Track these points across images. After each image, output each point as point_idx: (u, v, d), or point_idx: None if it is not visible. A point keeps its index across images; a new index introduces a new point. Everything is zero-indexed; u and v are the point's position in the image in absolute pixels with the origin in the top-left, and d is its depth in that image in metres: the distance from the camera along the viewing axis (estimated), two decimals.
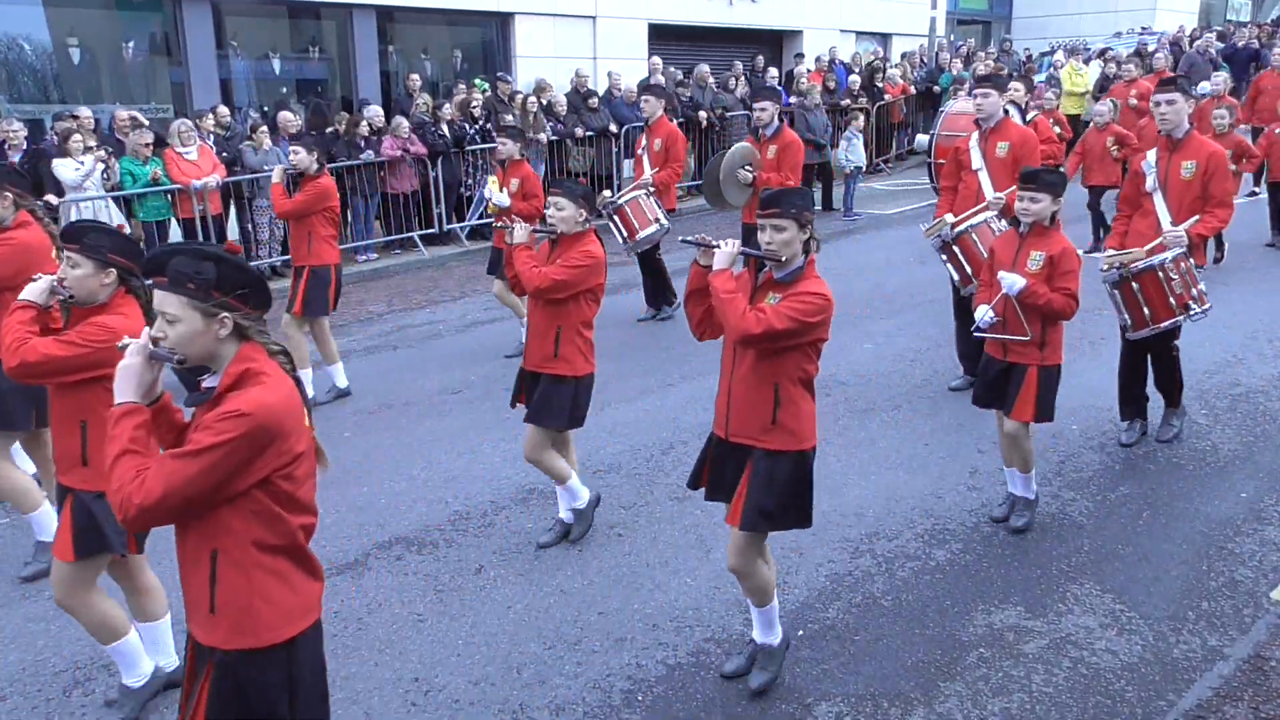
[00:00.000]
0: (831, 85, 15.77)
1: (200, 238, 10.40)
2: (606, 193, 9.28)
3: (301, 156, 6.82)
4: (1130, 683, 3.92)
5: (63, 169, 9.53)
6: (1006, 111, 7.17)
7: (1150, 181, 5.72)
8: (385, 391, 7.41)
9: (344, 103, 14.07)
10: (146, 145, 10.07)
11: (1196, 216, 5.55)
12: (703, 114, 14.58)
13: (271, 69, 13.99)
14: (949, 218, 6.57)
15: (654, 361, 7.69)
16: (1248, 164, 9.89)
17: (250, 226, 11.05)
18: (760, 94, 8.41)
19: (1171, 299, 5.46)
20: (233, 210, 11.05)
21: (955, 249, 6.46)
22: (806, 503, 3.82)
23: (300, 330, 7.01)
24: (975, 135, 6.83)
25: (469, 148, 12.30)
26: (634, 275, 9.47)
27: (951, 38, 23.39)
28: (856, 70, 17.04)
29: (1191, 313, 5.51)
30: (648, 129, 8.92)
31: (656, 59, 15.39)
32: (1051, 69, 17.14)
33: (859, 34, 20.75)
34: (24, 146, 9.84)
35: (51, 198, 9.51)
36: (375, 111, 12.07)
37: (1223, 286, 8.86)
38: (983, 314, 4.91)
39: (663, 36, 17.18)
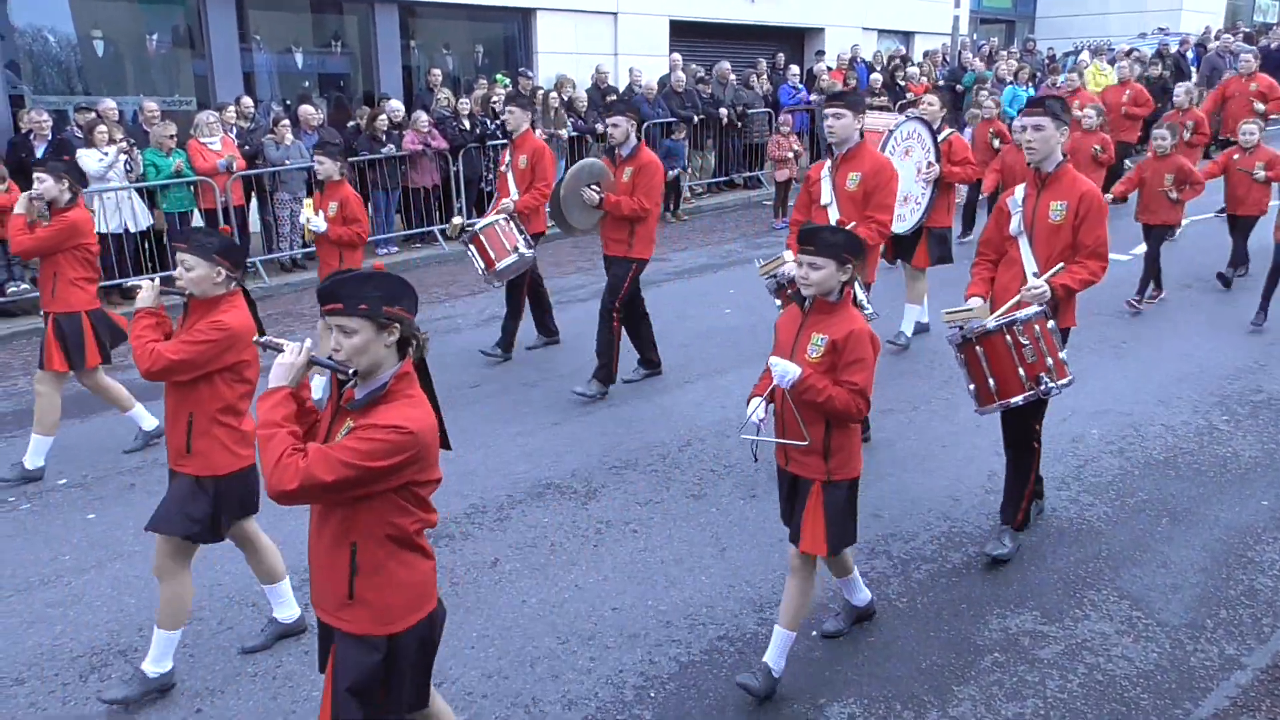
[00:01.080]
0: (852, 83, 15.69)
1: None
2: (458, 219, 8.52)
3: (48, 185, 5.73)
4: (1146, 690, 3.88)
5: (86, 159, 9.60)
6: (877, 134, 7.01)
7: (1015, 223, 4.64)
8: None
9: (366, 97, 14.12)
10: (170, 137, 10.15)
11: (1061, 265, 4.48)
12: (724, 111, 14.55)
13: (294, 63, 14.05)
14: (789, 254, 5.44)
15: (672, 358, 7.68)
16: (1190, 191, 8.55)
17: (272, 219, 11.12)
18: (613, 109, 7.12)
19: (1021, 369, 4.34)
20: (254, 202, 11.12)
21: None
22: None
23: (56, 386, 6.05)
24: (828, 164, 5.96)
25: (490, 143, 12.33)
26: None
27: (974, 36, 23.25)
28: (878, 68, 16.96)
29: (1043, 386, 4.35)
30: (512, 144, 7.82)
31: (677, 55, 15.38)
32: (1075, 69, 17.01)
33: (881, 32, 20.65)
34: (49, 137, 9.94)
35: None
36: (396, 106, 12.11)
37: (1245, 292, 8.78)
38: (753, 409, 3.81)
39: (684, 33, 17.16)
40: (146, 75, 12.85)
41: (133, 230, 9.99)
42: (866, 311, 4.96)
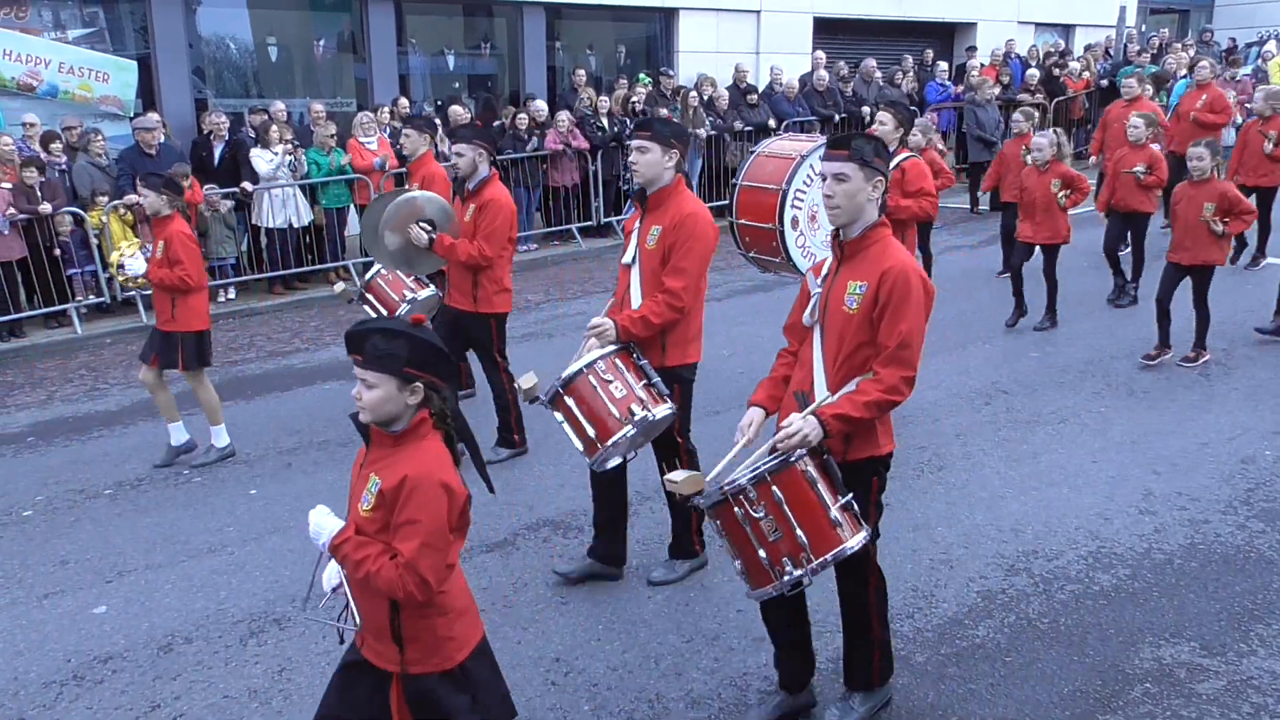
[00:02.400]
0: (1005, 80, 15.12)
1: None
2: (340, 285, 7.46)
3: (150, 199, 5.86)
4: None
5: (258, 160, 10.25)
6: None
7: (809, 309, 3.53)
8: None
9: (512, 97, 14.51)
10: (331, 136, 10.71)
11: (859, 379, 3.33)
12: (865, 109, 14.27)
13: (446, 64, 14.57)
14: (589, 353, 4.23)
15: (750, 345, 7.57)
16: (1074, 197, 7.96)
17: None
18: (459, 135, 5.95)
19: (762, 551, 3.18)
20: None
21: (568, 402, 4.14)
22: None
23: (201, 380, 6.27)
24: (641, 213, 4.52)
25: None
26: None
27: (1143, 28, 22.00)
28: (1034, 64, 16.27)
29: (786, 578, 3.18)
30: (409, 171, 6.96)
31: (820, 53, 15.17)
32: (1260, 61, 15.85)
33: (1038, 25, 19.78)
34: (226, 137, 10.64)
35: (248, 185, 10.26)
36: (540, 106, 12.40)
37: None
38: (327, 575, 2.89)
39: (828, 30, 16.90)
40: (313, 78, 13.58)
41: (295, 225, 10.59)
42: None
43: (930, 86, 14.95)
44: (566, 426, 4.09)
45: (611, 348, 4.14)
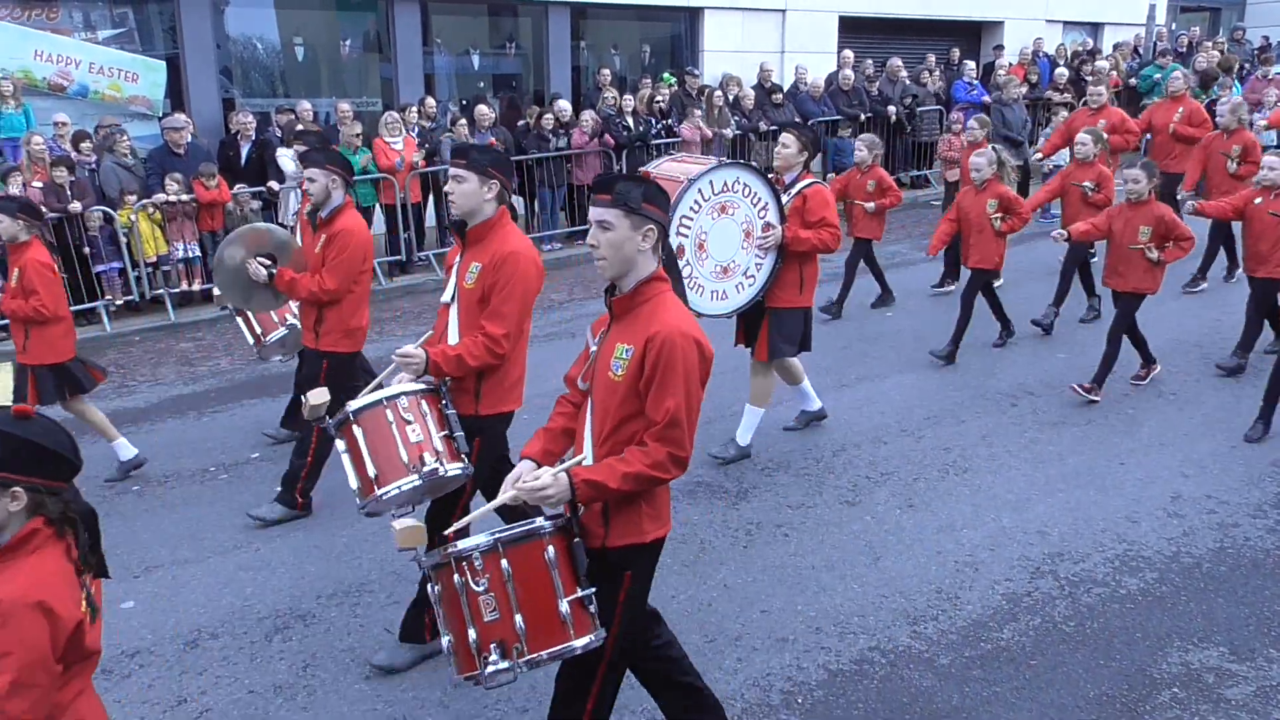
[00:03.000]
0: (1034, 79, 14.98)
1: (400, 224, 11.06)
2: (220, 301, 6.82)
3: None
4: None
5: (283, 159, 10.32)
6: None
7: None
8: (559, 378, 7.60)
9: (536, 96, 14.54)
10: (357, 136, 10.77)
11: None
12: (891, 109, 14.19)
13: (470, 64, 14.62)
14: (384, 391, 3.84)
15: (829, 360, 7.56)
16: (1011, 222, 7.36)
17: (445, 215, 11.62)
18: (310, 158, 5.29)
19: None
20: (431, 199, 11.66)
21: (355, 432, 3.71)
22: None
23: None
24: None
25: (653, 141, 12.48)
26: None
27: (1173, 26, 21.74)
28: (1062, 63, 16.12)
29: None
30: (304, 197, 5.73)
31: (848, 52, 15.10)
32: None
33: (1066, 24, 19.59)
34: (253, 137, 10.73)
35: (274, 184, 10.34)
36: (564, 106, 12.43)
37: None
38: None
39: (854, 29, 16.82)
40: (339, 78, 13.66)
41: None
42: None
43: (957, 85, 14.84)
44: (346, 458, 3.69)
45: (421, 385, 3.77)
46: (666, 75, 14.18)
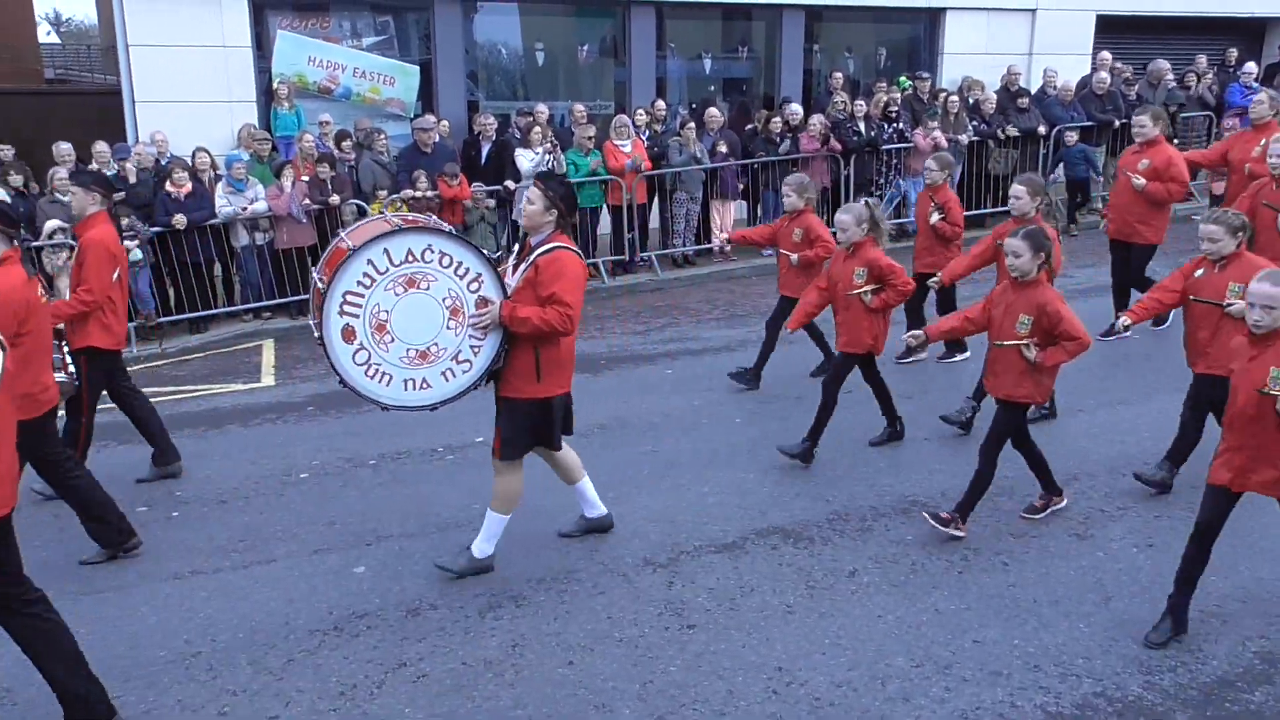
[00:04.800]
0: None
1: (625, 225, 11.33)
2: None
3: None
4: None
5: (521, 159, 10.83)
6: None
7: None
8: (780, 383, 7.54)
9: (765, 100, 14.49)
10: (589, 138, 11.14)
11: None
12: None
13: (702, 68, 14.77)
14: None
15: (1066, 383, 7.05)
16: (885, 295, 5.84)
17: (669, 216, 11.80)
18: (78, 179, 5.87)
19: None
20: (656, 201, 11.87)
21: None
22: None
23: None
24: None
25: (883, 146, 12.14)
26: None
27: None
28: None
29: None
30: (75, 232, 5.93)
31: (1105, 54, 14.07)
32: None
33: None
34: (493, 138, 11.33)
35: (510, 184, 10.87)
36: (795, 109, 12.31)
37: None
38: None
39: (1113, 28, 15.65)
40: (575, 82, 14.18)
41: None
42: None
43: (1232, 89, 13.48)
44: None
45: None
46: (902, 79, 13.75)
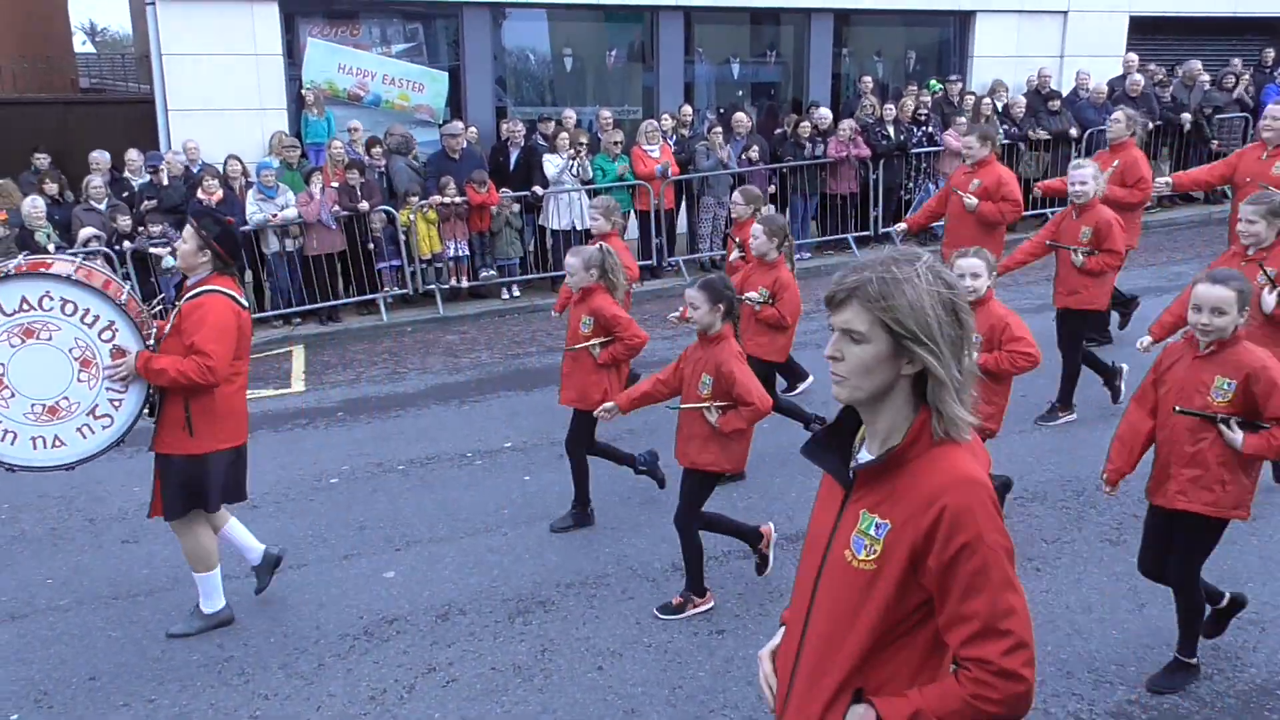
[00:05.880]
0: None
1: (653, 229, 11.34)
2: None
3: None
4: None
5: (548, 164, 10.87)
6: None
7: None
8: (812, 390, 7.50)
9: (794, 104, 14.45)
10: (616, 144, 11.15)
11: None
12: (1186, 116, 12.93)
13: (730, 72, 14.74)
14: None
15: (1097, 391, 6.98)
16: (614, 349, 5.35)
17: (695, 222, 11.79)
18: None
19: None
20: (683, 206, 11.87)
21: None
22: None
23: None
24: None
25: (913, 150, 12.07)
26: None
27: None
28: None
29: None
30: None
31: (1133, 55, 13.91)
32: None
33: None
34: (521, 144, 11.37)
35: (538, 189, 10.90)
36: (824, 114, 12.27)
37: None
38: None
39: (1146, 29, 15.46)
40: (603, 87, 14.20)
41: (579, 228, 11.12)
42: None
43: (1268, 90, 13.29)
44: None
45: None
46: (932, 82, 13.67)
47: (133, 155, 10.65)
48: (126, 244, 9.57)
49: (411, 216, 10.47)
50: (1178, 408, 3.69)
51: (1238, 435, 3.59)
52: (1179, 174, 7.71)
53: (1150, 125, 12.69)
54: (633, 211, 11.44)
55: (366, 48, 12.43)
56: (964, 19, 14.85)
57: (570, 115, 11.82)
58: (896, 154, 12.05)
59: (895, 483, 1.88)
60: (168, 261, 9.49)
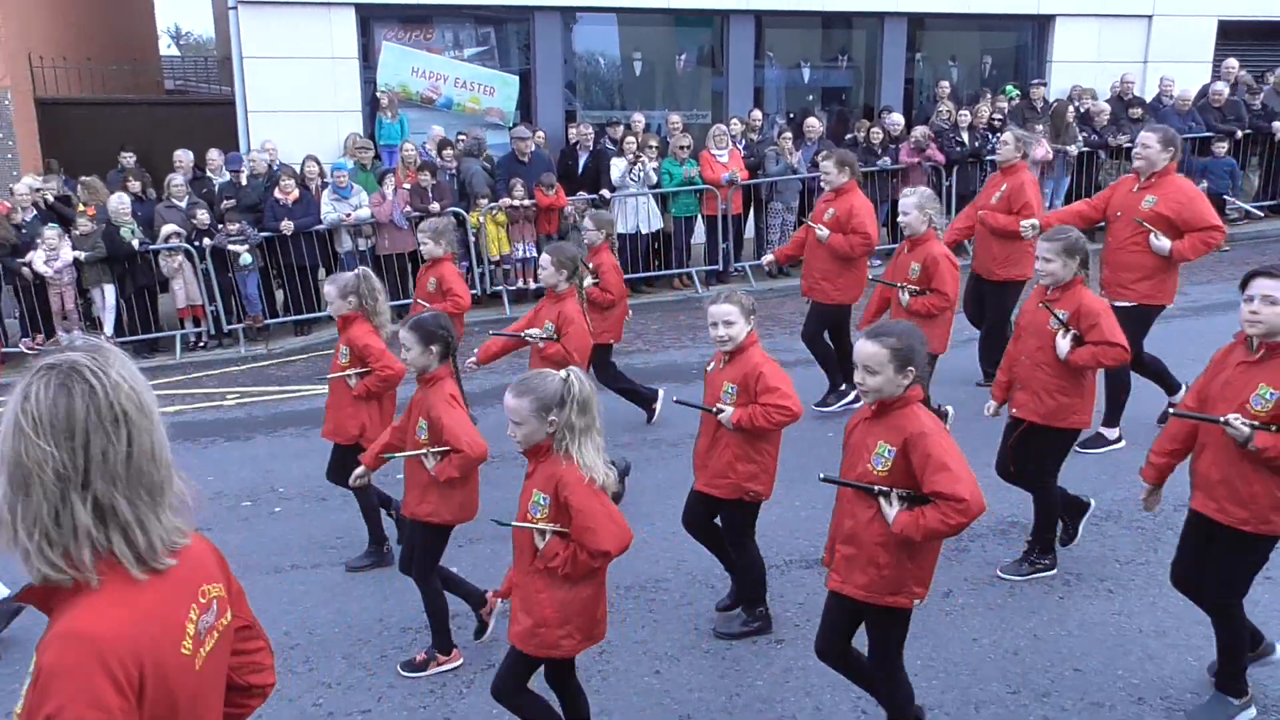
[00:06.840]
0: None
1: (720, 235, 11.31)
2: None
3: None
4: None
5: (616, 168, 10.91)
6: None
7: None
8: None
9: (865, 109, 14.29)
10: (683, 148, 11.15)
11: None
12: (1278, 125, 12.47)
13: (801, 77, 14.65)
14: None
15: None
16: (368, 383, 5.16)
17: (764, 227, 11.72)
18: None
19: None
20: (751, 212, 11.81)
21: None
22: None
23: None
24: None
25: (986, 157, 11.84)
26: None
27: None
28: None
29: None
30: None
31: (1231, 60, 13.44)
32: None
33: None
34: (590, 148, 11.44)
35: (605, 192, 10.95)
36: (896, 119, 12.10)
37: None
38: None
39: (1235, 35, 14.97)
40: (673, 91, 14.23)
41: (644, 231, 11.15)
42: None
43: None
44: None
45: None
46: (1009, 87, 13.41)
47: (213, 155, 10.97)
48: (206, 240, 9.87)
49: (481, 218, 10.59)
50: (822, 474, 3.41)
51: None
52: (1050, 213, 7.03)
53: (1238, 135, 12.31)
54: (699, 216, 11.43)
55: (439, 51, 12.63)
56: (1043, 23, 14.55)
57: (639, 119, 11.85)
58: (970, 161, 11.84)
59: None
60: (244, 259, 9.75)
